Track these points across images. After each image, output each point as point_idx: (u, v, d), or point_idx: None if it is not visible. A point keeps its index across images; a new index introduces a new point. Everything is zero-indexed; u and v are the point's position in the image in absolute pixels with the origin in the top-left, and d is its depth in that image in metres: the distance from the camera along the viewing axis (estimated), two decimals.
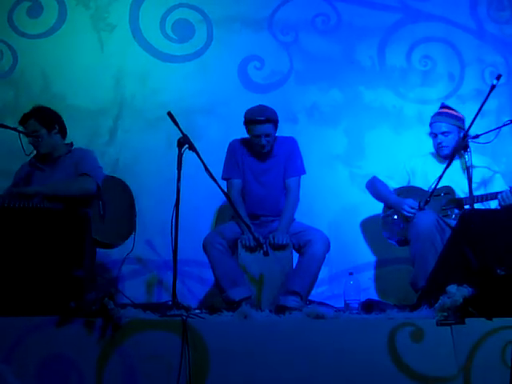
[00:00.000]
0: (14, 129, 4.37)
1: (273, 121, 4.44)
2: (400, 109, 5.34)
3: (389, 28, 5.37)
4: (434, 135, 4.57)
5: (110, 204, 4.38)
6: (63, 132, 4.49)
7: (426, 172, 4.60)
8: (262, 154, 4.54)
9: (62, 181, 4.32)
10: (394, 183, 4.66)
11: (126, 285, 4.93)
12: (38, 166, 4.45)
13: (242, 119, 4.49)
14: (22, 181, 4.41)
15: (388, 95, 5.34)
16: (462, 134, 4.43)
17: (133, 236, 4.39)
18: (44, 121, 4.38)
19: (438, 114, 4.60)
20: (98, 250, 4.32)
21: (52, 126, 4.40)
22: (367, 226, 5.18)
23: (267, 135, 4.44)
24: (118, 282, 4.71)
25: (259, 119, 4.40)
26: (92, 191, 4.30)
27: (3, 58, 5.23)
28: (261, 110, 4.46)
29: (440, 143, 4.53)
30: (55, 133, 4.42)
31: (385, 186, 4.65)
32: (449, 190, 4.46)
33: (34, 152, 4.45)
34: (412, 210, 4.38)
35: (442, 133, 4.51)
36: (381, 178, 4.69)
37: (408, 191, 4.59)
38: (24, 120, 4.40)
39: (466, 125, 4.31)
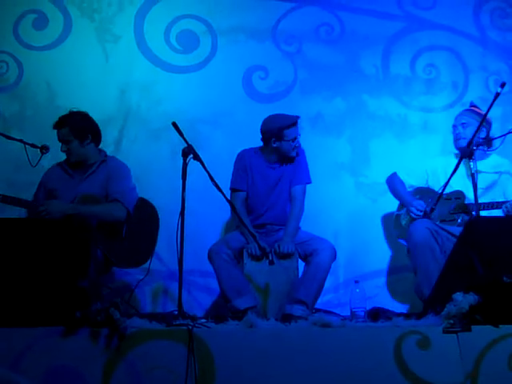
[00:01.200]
0: (21, 140, 4.38)
1: None
2: (404, 117, 5.34)
3: (392, 37, 5.38)
4: (454, 128, 4.62)
5: (134, 227, 4.37)
6: (97, 140, 4.45)
7: (446, 173, 4.57)
8: (286, 159, 4.54)
9: (92, 204, 4.27)
10: (413, 181, 4.69)
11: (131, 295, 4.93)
12: (67, 171, 4.42)
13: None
14: (49, 186, 4.38)
15: (392, 104, 5.34)
16: (484, 131, 4.46)
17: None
18: (77, 132, 4.33)
19: (464, 109, 4.68)
20: None
21: (85, 136, 4.36)
22: (377, 231, 5.19)
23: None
24: (124, 292, 4.70)
25: (294, 122, 4.47)
26: (121, 219, 4.29)
27: (9, 69, 5.24)
28: (284, 115, 4.52)
29: (458, 134, 4.57)
30: (88, 143, 4.38)
31: (402, 183, 4.68)
32: (460, 195, 4.47)
33: (40, 163, 4.41)
34: (419, 213, 4.41)
35: (462, 124, 4.56)
36: (400, 175, 4.71)
37: (423, 192, 4.62)
38: (58, 125, 4.35)
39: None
